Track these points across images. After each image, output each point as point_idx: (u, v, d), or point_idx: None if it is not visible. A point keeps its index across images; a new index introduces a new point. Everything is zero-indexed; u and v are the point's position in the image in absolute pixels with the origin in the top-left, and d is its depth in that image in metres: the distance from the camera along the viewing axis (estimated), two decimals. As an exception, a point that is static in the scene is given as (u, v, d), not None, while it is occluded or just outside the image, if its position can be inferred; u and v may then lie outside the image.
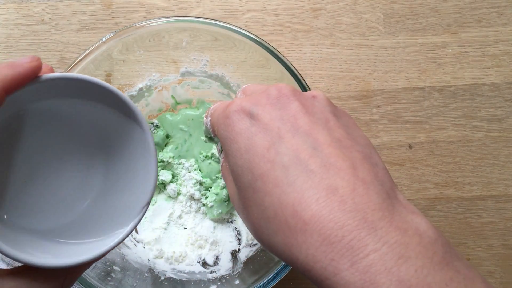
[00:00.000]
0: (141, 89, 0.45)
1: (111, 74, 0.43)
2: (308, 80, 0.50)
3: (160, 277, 0.43)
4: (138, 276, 0.41)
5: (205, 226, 0.46)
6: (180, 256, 0.45)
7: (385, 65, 0.50)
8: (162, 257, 0.45)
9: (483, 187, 0.50)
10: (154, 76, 0.45)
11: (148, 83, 0.45)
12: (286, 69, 0.38)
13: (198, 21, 0.39)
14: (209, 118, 0.30)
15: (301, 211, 0.22)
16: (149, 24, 0.39)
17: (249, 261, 0.43)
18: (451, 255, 0.22)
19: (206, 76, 0.45)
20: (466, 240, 0.49)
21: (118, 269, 0.41)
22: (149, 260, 0.44)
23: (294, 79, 0.38)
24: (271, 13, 0.51)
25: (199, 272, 0.44)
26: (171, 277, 0.43)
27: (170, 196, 0.47)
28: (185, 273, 0.44)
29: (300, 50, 0.50)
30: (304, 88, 0.38)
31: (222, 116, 0.27)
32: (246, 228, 0.44)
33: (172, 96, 0.47)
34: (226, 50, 0.42)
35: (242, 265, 0.43)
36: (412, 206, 0.24)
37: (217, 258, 0.46)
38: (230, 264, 0.44)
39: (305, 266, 0.22)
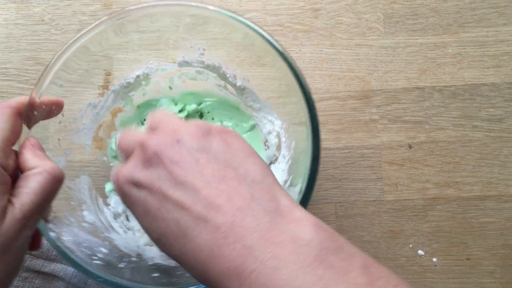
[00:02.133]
0: (138, 76, 0.45)
1: (111, 62, 0.44)
2: (308, 80, 0.50)
3: (148, 262, 0.42)
4: (125, 259, 0.41)
5: None
6: None
7: (385, 65, 0.50)
8: (152, 245, 0.45)
9: (483, 187, 0.50)
10: (151, 64, 0.44)
11: (146, 71, 0.44)
12: (290, 68, 0.37)
13: (199, 7, 0.37)
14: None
15: (198, 257, 0.26)
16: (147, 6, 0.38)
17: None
18: (328, 251, 0.24)
19: (203, 67, 0.44)
20: (466, 240, 0.49)
21: (105, 250, 0.40)
22: (138, 246, 0.44)
23: (295, 78, 0.37)
24: (271, 13, 0.51)
25: None
26: (159, 263, 0.42)
27: None
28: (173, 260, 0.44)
29: (300, 50, 0.50)
30: (304, 89, 0.37)
31: (117, 188, 0.30)
32: None
33: (170, 87, 0.47)
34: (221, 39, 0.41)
35: None
36: (294, 212, 0.26)
37: None
38: None
39: None
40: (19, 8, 0.50)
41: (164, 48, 0.43)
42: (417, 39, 0.51)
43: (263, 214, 0.26)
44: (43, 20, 0.50)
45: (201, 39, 0.41)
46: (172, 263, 0.43)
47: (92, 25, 0.37)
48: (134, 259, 0.42)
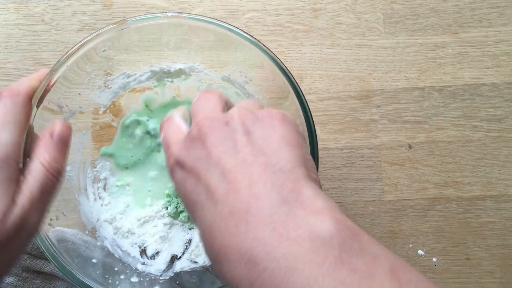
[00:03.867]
0: (180, 69, 0.45)
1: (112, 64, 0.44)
2: (308, 80, 0.50)
3: (97, 241, 0.43)
4: (78, 233, 0.42)
5: (165, 219, 0.46)
6: (127, 231, 0.45)
7: (385, 65, 0.50)
8: (111, 224, 0.45)
9: (482, 187, 0.50)
10: (198, 65, 0.45)
11: (189, 69, 0.45)
12: (280, 69, 0.38)
13: (199, 19, 0.38)
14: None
15: (213, 244, 0.25)
16: (150, 18, 0.39)
17: (180, 274, 0.43)
18: (351, 252, 0.22)
19: (243, 92, 0.45)
20: (465, 240, 0.49)
21: (64, 215, 0.41)
22: (98, 219, 0.44)
23: (286, 79, 0.38)
24: (271, 13, 0.51)
25: (133, 257, 0.44)
26: (106, 247, 0.43)
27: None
28: (121, 250, 0.44)
29: (300, 50, 0.50)
30: (296, 89, 0.38)
31: (168, 169, 0.31)
32: (196, 243, 0.44)
33: None
34: (226, 51, 0.42)
35: (172, 275, 0.43)
36: (315, 203, 0.24)
37: (157, 253, 0.45)
38: (163, 266, 0.44)
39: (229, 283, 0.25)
40: (19, 8, 0.50)
41: (165, 49, 0.43)
42: (417, 39, 0.51)
43: (280, 204, 0.24)
44: (43, 20, 0.50)
45: (200, 41, 0.42)
46: (117, 253, 0.43)
47: (98, 32, 0.38)
48: (86, 232, 0.42)
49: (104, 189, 0.47)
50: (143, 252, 0.45)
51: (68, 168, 0.43)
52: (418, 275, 0.23)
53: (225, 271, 0.24)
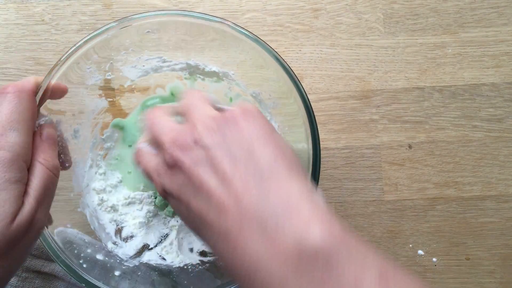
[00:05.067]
0: (214, 71, 0.45)
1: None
2: (308, 80, 0.50)
3: (79, 206, 0.43)
4: (63, 193, 0.42)
5: (151, 206, 0.47)
6: (111, 207, 0.45)
7: (385, 65, 0.50)
8: (98, 194, 0.45)
9: (482, 187, 0.50)
10: (232, 74, 0.45)
11: (221, 72, 0.45)
12: (284, 70, 0.38)
13: (203, 18, 0.39)
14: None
15: (221, 261, 0.28)
16: (149, 16, 0.39)
17: (143, 266, 0.43)
18: (338, 257, 0.23)
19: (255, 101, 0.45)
20: (465, 240, 0.49)
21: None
22: (87, 185, 0.44)
23: (291, 80, 0.38)
24: (271, 13, 0.51)
25: (107, 233, 0.44)
26: (85, 215, 0.43)
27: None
28: (98, 222, 0.44)
29: (300, 50, 0.50)
30: (299, 89, 0.38)
31: (159, 193, 0.33)
32: (171, 240, 0.45)
33: (230, 98, 0.48)
34: (226, 50, 0.42)
35: (136, 264, 0.42)
36: (301, 212, 0.25)
37: (131, 237, 0.45)
38: (131, 252, 0.44)
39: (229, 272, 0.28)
40: (19, 8, 0.50)
41: (165, 49, 0.43)
42: (417, 39, 0.51)
43: (268, 216, 0.25)
44: (43, 20, 0.50)
45: (200, 41, 0.42)
46: (93, 223, 0.43)
47: (99, 31, 0.38)
48: (71, 195, 0.42)
49: (104, 159, 0.47)
50: (118, 231, 0.44)
51: (76, 127, 0.43)
52: (407, 278, 0.23)
53: (237, 283, 0.26)
